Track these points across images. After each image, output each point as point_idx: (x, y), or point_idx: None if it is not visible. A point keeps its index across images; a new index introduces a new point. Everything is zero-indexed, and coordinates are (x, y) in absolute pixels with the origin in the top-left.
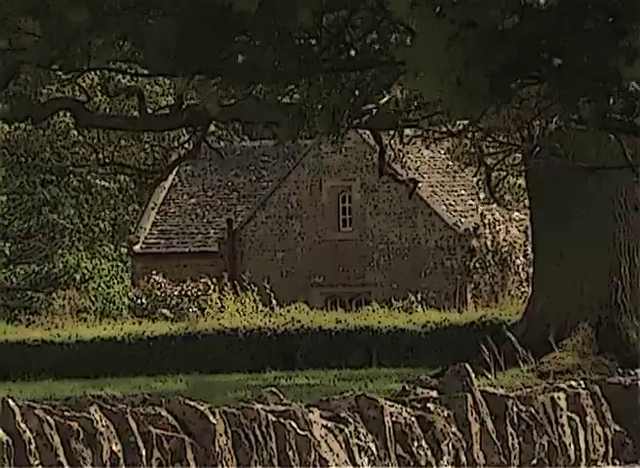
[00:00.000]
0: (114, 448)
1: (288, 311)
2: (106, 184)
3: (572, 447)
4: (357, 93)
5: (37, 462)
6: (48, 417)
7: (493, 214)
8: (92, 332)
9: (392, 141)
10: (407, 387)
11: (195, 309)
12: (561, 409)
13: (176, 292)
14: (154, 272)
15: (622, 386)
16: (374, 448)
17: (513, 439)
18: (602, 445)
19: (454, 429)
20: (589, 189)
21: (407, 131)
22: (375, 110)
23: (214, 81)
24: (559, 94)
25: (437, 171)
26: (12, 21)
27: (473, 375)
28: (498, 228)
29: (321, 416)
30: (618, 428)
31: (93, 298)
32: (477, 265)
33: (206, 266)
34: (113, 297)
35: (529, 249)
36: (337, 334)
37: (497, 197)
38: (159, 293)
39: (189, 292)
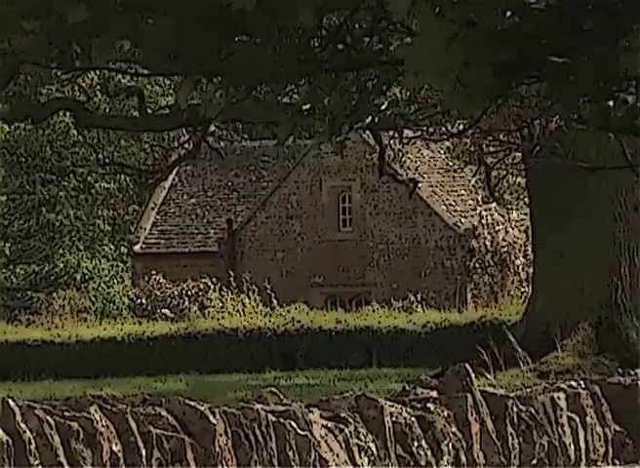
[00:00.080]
0: (114, 447)
1: (288, 311)
2: (106, 185)
3: (572, 447)
4: (357, 93)
5: (37, 462)
6: (48, 417)
7: (492, 215)
8: (92, 332)
9: (392, 141)
10: (407, 387)
11: (195, 309)
12: (561, 409)
13: (176, 293)
14: (154, 272)
15: (622, 386)
16: (374, 448)
17: (513, 439)
18: (602, 445)
19: (454, 429)
20: (589, 189)
21: (407, 131)
22: (376, 115)
23: (214, 83)
24: (559, 93)
25: (437, 171)
26: (12, 21)
27: (473, 375)
28: (497, 229)
29: (321, 416)
30: (618, 428)
31: (93, 298)
32: (477, 265)
33: (206, 266)
34: (113, 297)
35: (529, 249)
36: (337, 334)
37: (496, 196)
38: (159, 293)
39: (189, 293)
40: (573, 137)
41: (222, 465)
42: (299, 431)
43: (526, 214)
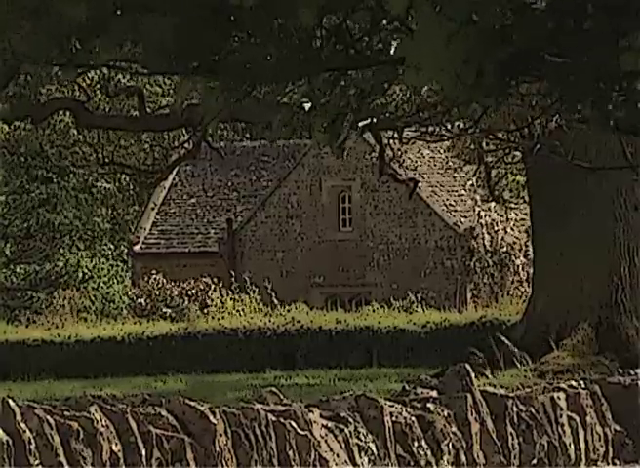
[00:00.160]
0: (114, 448)
1: (288, 311)
2: (106, 185)
3: (572, 447)
4: (356, 95)
5: (37, 462)
6: (48, 417)
7: (490, 215)
8: (92, 332)
9: (392, 141)
10: (407, 387)
11: (195, 309)
12: (561, 409)
13: (176, 292)
14: (154, 272)
15: (622, 386)
16: (374, 448)
17: (513, 439)
18: (602, 445)
19: (454, 429)
20: (589, 188)
21: (406, 130)
22: (376, 116)
23: (212, 87)
24: (560, 93)
25: (437, 171)
26: (12, 21)
27: (473, 375)
28: (495, 229)
29: (321, 416)
30: (618, 428)
31: (93, 298)
32: (477, 265)
33: (206, 266)
34: (113, 297)
35: (529, 249)
36: (337, 334)
37: (496, 195)
38: (159, 293)
39: (189, 292)
40: (573, 137)
41: (222, 465)
42: (299, 431)
43: (526, 213)
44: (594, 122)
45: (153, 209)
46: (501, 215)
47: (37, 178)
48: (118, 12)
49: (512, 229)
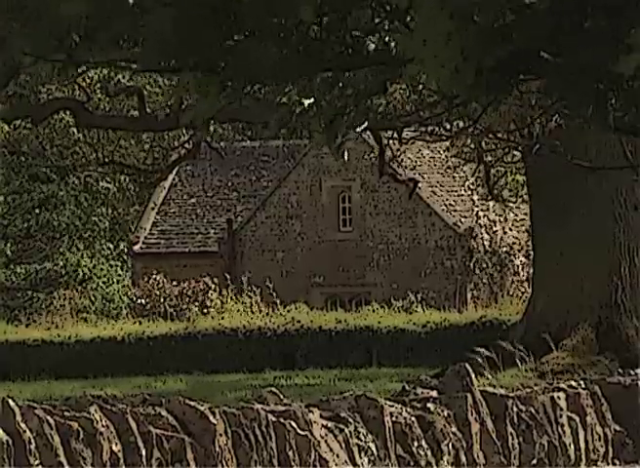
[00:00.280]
0: (114, 448)
1: (288, 311)
2: (106, 185)
3: (572, 447)
4: (354, 96)
5: (37, 462)
6: (48, 417)
7: (488, 216)
8: (92, 332)
9: (392, 141)
10: (407, 387)
11: (195, 309)
12: (561, 409)
13: (176, 292)
14: (154, 272)
15: (622, 386)
16: (374, 448)
17: (513, 439)
18: (602, 445)
19: (454, 429)
20: (589, 188)
21: (406, 130)
22: (375, 117)
23: (208, 86)
24: (559, 93)
25: (437, 170)
26: (12, 21)
27: (473, 375)
28: (494, 229)
29: (321, 416)
30: (618, 428)
31: (93, 298)
32: (477, 265)
33: (206, 266)
34: (113, 297)
35: (529, 249)
36: (337, 334)
37: (495, 194)
38: (159, 293)
39: (189, 292)
40: (573, 136)
41: (222, 465)
42: (299, 431)
43: (526, 213)
44: (594, 122)
45: (153, 209)
46: (501, 215)
47: (37, 178)
48: (118, 7)
49: (512, 229)
